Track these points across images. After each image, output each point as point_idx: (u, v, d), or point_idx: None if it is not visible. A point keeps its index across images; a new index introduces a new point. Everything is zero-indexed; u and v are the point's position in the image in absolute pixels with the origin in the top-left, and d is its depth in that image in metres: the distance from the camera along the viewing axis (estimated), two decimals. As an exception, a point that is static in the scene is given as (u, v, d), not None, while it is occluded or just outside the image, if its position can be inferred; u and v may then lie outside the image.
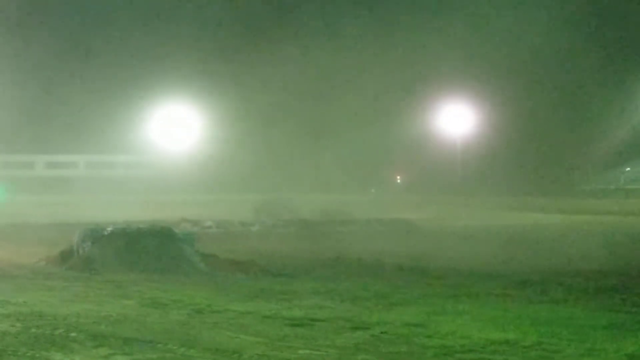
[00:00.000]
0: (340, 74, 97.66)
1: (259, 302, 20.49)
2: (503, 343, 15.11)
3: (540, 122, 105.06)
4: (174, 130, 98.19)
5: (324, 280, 25.69)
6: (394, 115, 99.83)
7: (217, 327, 16.82)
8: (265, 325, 17.06)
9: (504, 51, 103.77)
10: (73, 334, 15.66)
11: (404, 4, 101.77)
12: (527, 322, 17.22)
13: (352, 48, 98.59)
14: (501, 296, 22.04)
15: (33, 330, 16.13)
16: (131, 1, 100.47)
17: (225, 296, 21.69)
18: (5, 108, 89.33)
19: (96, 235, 30.67)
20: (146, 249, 29.52)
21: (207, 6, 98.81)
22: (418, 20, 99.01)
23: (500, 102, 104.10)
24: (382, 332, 16.20)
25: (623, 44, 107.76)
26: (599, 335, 15.93)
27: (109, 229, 31.69)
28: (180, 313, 18.64)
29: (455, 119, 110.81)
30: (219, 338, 15.59)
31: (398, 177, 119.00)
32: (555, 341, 15.32)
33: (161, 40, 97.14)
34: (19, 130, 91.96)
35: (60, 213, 62.34)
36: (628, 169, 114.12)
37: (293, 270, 28.81)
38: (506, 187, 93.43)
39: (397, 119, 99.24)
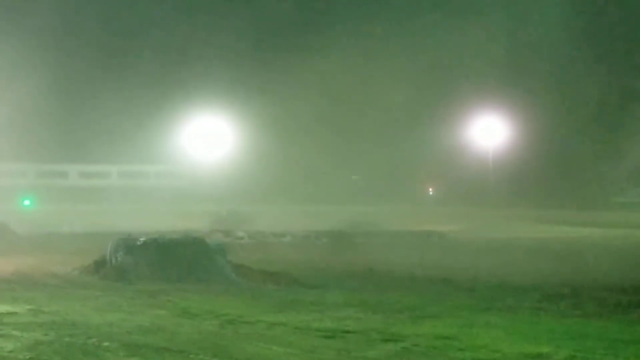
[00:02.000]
0: (373, 84, 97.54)
1: (290, 313, 20.48)
2: (536, 357, 15.01)
3: (573, 134, 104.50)
4: (207, 140, 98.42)
5: (355, 291, 25.67)
6: (426, 126, 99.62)
7: (248, 337, 16.83)
8: (297, 336, 17.05)
9: (537, 62, 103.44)
10: (106, 344, 15.73)
11: (438, 14, 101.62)
12: (560, 336, 17.10)
13: (385, 58, 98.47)
14: (533, 309, 21.91)
15: (66, 339, 16.21)
16: (164, 11, 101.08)
17: (256, 307, 21.71)
18: (40, 117, 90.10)
19: (129, 245, 30.84)
20: (178, 259, 29.65)
21: (241, 16, 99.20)
22: (452, 30, 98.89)
23: (533, 114, 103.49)
24: (413, 345, 16.12)
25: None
26: (632, 349, 15.79)
27: (142, 239, 31.86)
28: (212, 323, 18.66)
29: (488, 131, 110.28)
30: (250, 349, 15.59)
31: (430, 189, 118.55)
32: (589, 355, 15.19)
33: (194, 50, 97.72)
34: (53, 139, 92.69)
35: (94, 223, 62.75)
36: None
37: (324, 281, 28.80)
38: (538, 199, 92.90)
39: (429, 130, 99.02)
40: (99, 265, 30.73)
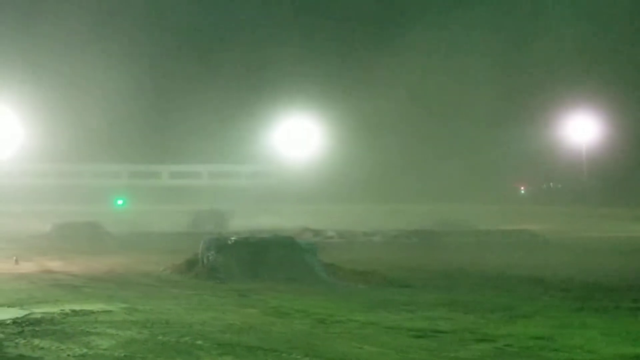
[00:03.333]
0: (460, 81, 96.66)
1: (381, 312, 20.38)
2: (633, 358, 14.66)
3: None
4: (295, 139, 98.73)
5: (446, 291, 25.44)
6: (517, 124, 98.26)
7: (340, 337, 16.77)
8: (389, 336, 16.93)
9: (632, 58, 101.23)
10: (199, 342, 15.83)
11: (525, 9, 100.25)
12: (659, 337, 16.67)
13: (472, 55, 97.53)
14: (630, 310, 21.36)
15: (160, 337, 16.37)
16: (252, 11, 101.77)
17: (347, 306, 21.65)
18: (133, 119, 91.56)
19: (221, 245, 31.08)
20: (269, 258, 29.78)
21: (329, 15, 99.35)
22: (542, 25, 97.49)
23: (628, 110, 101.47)
24: (506, 345, 15.87)
25: None
26: None
27: (233, 238, 32.12)
28: (304, 322, 18.66)
29: (581, 128, 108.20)
30: (342, 348, 15.52)
31: (522, 188, 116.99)
32: (689, 357, 14.78)
33: (283, 50, 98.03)
34: (146, 141, 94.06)
35: (187, 222, 63.52)
36: None
37: (415, 281, 28.63)
38: (634, 197, 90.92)
39: (520, 127, 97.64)
40: (191, 265, 31.04)
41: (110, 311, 20.25)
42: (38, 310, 20.16)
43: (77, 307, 20.66)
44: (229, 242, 31.17)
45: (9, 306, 21.11)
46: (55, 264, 34.67)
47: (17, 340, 15.85)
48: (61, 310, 20.21)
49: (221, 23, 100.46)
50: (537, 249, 45.85)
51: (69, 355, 14.62)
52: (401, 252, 42.38)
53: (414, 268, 33.61)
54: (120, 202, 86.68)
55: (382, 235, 54.05)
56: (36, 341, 15.80)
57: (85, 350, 15.04)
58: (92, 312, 19.98)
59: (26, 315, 19.35)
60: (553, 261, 37.30)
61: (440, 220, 61.21)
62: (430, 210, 72.02)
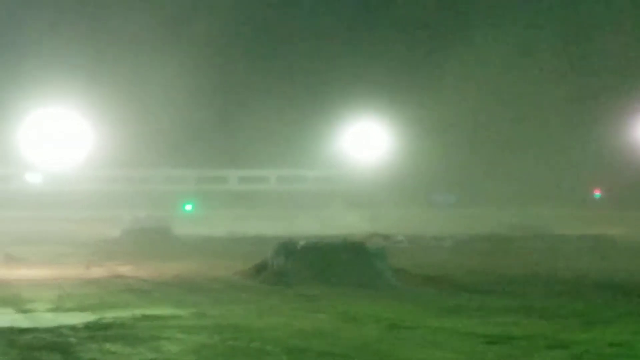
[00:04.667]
0: (531, 82, 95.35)
1: (453, 318, 20.07)
2: None
3: None
4: (364, 143, 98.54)
5: (519, 297, 25.03)
6: (591, 125, 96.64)
7: (411, 343, 16.55)
8: (461, 342, 16.64)
9: None
10: (268, 347, 15.73)
11: (597, 8, 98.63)
12: None
13: (543, 53, 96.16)
14: None
15: (230, 342, 16.32)
16: (319, 14, 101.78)
17: (418, 312, 21.42)
18: (200, 123, 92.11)
19: (289, 249, 31.02)
20: (338, 264, 29.62)
21: (397, 18, 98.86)
22: (617, 23, 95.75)
23: None
24: (582, 352, 15.47)
25: None
26: None
27: (302, 243, 32.01)
28: (374, 328, 18.46)
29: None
30: (413, 354, 15.31)
31: (597, 191, 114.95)
32: None
33: (350, 52, 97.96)
34: (214, 145, 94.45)
35: (254, 227, 63.74)
36: None
37: (487, 286, 28.22)
38: None
39: (594, 129, 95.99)
40: (260, 269, 31.03)
41: (180, 316, 20.30)
42: (109, 315, 20.31)
43: (147, 312, 20.77)
44: (298, 247, 31.08)
45: (80, 311, 21.31)
46: (125, 269, 34.95)
47: (88, 345, 15.95)
48: (132, 314, 20.34)
49: (288, 25, 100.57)
50: (614, 254, 44.88)
51: (139, 359, 14.62)
52: (473, 257, 41.90)
53: (486, 273, 33.18)
54: (188, 207, 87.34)
55: (453, 240, 53.54)
56: (107, 345, 15.87)
57: (155, 355, 15.06)
58: (162, 316, 20.06)
59: (97, 319, 19.50)
60: (631, 266, 36.45)
61: (514, 224, 60.57)
62: (503, 214, 71.31)
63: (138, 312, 20.79)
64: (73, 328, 17.96)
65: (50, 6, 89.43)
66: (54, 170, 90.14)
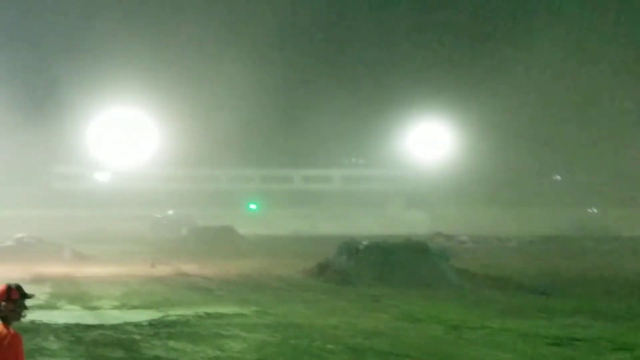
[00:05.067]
0: (594, 80, 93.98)
1: (515, 319, 19.93)
2: None
3: None
4: (427, 143, 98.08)
5: (584, 298, 24.77)
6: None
7: (473, 343, 16.46)
8: (523, 343, 16.52)
9: None
10: (330, 346, 15.77)
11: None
12: None
13: (605, 50, 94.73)
14: None
15: (291, 341, 16.39)
16: (385, 12, 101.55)
17: (481, 312, 21.29)
18: (265, 123, 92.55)
19: (352, 249, 31.05)
20: (401, 264, 29.56)
21: (461, 18, 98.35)
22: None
23: None
24: (647, 355, 15.32)
25: None
26: None
27: (365, 242, 32.01)
28: (436, 328, 18.41)
29: None
30: (475, 355, 15.23)
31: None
32: None
33: (413, 54, 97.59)
34: (278, 144, 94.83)
35: (317, 226, 63.91)
36: None
37: (551, 287, 27.91)
38: None
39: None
40: (323, 269, 31.10)
41: (242, 314, 20.44)
42: (173, 313, 20.53)
43: (210, 310, 20.95)
44: (360, 247, 31.07)
45: (145, 308, 21.57)
46: (190, 267, 35.25)
47: (152, 342, 16.14)
48: (195, 312, 20.53)
49: (353, 25, 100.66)
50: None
51: (202, 357, 14.79)
52: (537, 258, 41.50)
53: (551, 274, 32.86)
54: (253, 206, 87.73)
55: (517, 241, 53.10)
56: (171, 343, 16.05)
57: (218, 352, 15.18)
58: (225, 315, 20.21)
59: (161, 317, 19.73)
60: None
61: (579, 225, 59.82)
62: (567, 215, 70.46)
63: (201, 310, 20.98)
64: (137, 325, 18.20)
65: (118, 10, 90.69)
66: (122, 169, 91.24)
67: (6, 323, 6.45)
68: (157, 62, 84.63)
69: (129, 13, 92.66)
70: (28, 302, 6.56)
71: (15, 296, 6.53)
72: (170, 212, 66.67)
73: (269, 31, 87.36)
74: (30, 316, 19.10)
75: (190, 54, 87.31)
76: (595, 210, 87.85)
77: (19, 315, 6.50)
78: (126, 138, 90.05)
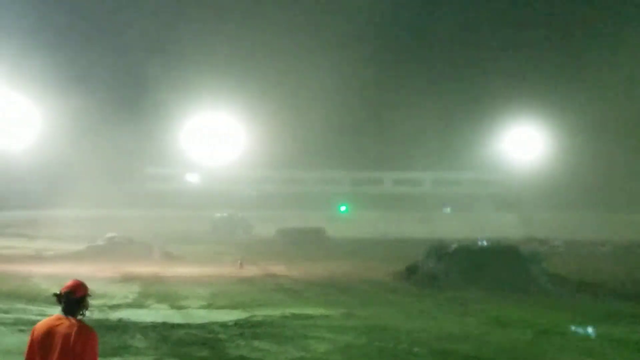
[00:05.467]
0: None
1: (606, 325, 19.47)
2: None
3: None
4: (521, 147, 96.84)
5: (678, 305, 24.07)
6: None
7: (562, 349, 16.12)
8: (614, 349, 16.12)
9: None
10: (416, 349, 15.61)
11: None
12: None
13: None
14: None
15: (377, 343, 16.26)
16: (476, 18, 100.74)
17: (571, 317, 20.84)
18: (355, 125, 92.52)
19: (441, 252, 30.76)
20: (491, 267, 29.15)
21: (552, 24, 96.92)
22: None
23: None
24: None
25: None
26: None
27: (454, 245, 31.68)
28: (524, 333, 18.08)
29: None
30: (564, 361, 14.93)
31: None
32: None
33: (507, 55, 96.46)
34: (368, 147, 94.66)
35: (407, 229, 63.59)
36: None
37: (645, 293, 27.22)
38: None
39: None
40: (411, 272, 30.88)
41: (328, 316, 20.38)
42: (259, 313, 20.58)
43: (296, 311, 20.94)
44: (449, 250, 30.76)
45: (231, 308, 21.67)
46: (278, 268, 35.37)
47: (237, 342, 16.17)
48: (281, 313, 20.56)
49: (443, 25, 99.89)
50: None
51: (286, 357, 14.77)
52: (632, 264, 40.48)
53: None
54: (343, 208, 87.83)
55: (612, 245, 51.94)
56: (256, 343, 16.06)
57: (302, 353, 15.13)
58: (311, 316, 20.18)
59: (248, 317, 19.79)
60: None
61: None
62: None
63: (288, 311, 21.00)
64: (223, 325, 18.27)
65: (207, 13, 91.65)
66: (212, 171, 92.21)
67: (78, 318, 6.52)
68: (247, 64, 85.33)
69: (218, 16, 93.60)
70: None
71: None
72: (226, 214, 67.46)
73: (358, 33, 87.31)
74: (118, 314, 19.51)
75: (280, 56, 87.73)
76: None
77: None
78: (216, 140, 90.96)
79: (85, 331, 6.40)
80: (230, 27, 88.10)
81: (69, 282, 6.67)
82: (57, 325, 6.42)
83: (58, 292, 6.63)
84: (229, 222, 65.96)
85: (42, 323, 6.53)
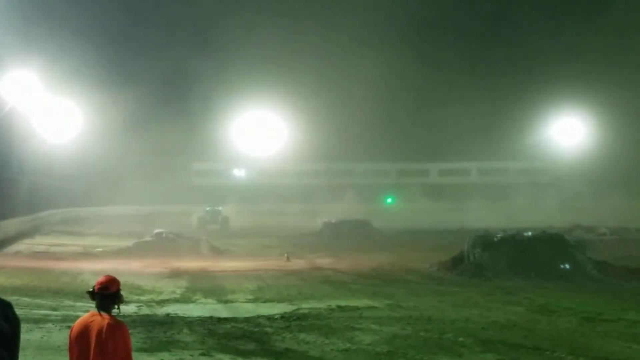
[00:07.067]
0: None
1: (654, 312, 19.39)
2: None
3: None
4: (567, 135, 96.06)
5: None
6: None
7: (607, 336, 16.10)
8: (661, 336, 16.06)
9: None
10: (461, 339, 15.68)
11: None
12: None
13: None
14: None
15: (422, 333, 16.34)
16: (521, 9, 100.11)
17: (617, 305, 20.79)
18: (400, 116, 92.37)
19: (487, 242, 30.70)
20: (536, 256, 29.08)
21: (594, 7, 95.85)
22: None
23: None
24: None
25: None
26: None
27: (500, 235, 31.62)
28: (570, 320, 18.08)
29: None
30: (609, 347, 14.89)
31: None
32: None
33: (553, 44, 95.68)
34: (414, 138, 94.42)
35: (453, 220, 63.36)
36: None
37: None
38: None
39: None
40: (457, 262, 30.86)
41: (374, 307, 20.49)
42: (305, 306, 20.73)
43: (342, 303, 21.08)
44: (495, 240, 30.71)
45: (278, 301, 21.84)
46: (324, 261, 35.51)
47: (283, 334, 16.32)
48: (328, 305, 20.69)
49: (487, 17, 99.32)
50: None
51: (332, 349, 14.87)
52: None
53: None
54: (389, 200, 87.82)
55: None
56: (302, 335, 16.19)
57: (348, 345, 15.25)
58: (357, 308, 20.29)
59: (294, 310, 19.94)
60: None
61: None
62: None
63: (334, 303, 21.13)
64: (270, 318, 18.44)
65: (253, 8, 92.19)
66: (258, 165, 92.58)
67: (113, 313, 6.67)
68: (293, 58, 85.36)
69: (263, 12, 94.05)
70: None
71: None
72: (208, 208, 67.95)
73: (404, 25, 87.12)
74: (166, 309, 19.76)
75: (326, 50, 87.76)
76: None
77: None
78: (262, 134, 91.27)
79: (115, 325, 6.55)
80: (276, 22, 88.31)
81: (101, 278, 6.83)
82: (92, 322, 6.57)
83: (91, 289, 6.78)
84: (213, 216, 66.50)
85: (78, 321, 6.69)
